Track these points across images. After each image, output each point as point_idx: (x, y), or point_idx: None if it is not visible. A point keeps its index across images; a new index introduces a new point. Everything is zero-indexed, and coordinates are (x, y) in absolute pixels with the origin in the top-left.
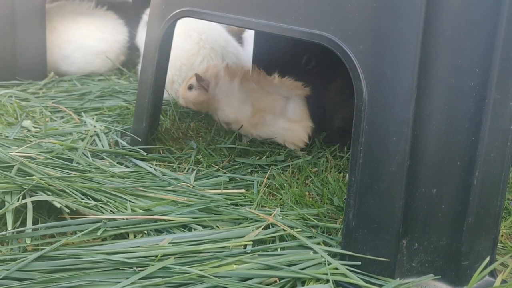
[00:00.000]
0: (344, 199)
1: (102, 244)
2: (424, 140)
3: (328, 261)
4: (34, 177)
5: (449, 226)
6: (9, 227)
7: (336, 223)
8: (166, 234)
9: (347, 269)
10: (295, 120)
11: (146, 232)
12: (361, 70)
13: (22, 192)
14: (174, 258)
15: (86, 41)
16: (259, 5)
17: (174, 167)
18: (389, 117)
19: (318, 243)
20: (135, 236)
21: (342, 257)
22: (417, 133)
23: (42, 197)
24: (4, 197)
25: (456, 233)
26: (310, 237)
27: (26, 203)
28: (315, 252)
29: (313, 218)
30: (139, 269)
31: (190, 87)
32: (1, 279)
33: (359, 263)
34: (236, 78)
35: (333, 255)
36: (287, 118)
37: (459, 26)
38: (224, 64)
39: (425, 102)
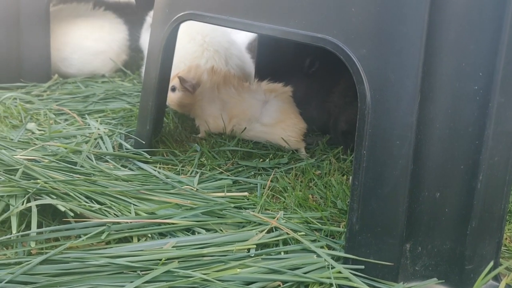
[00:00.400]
0: (348, 202)
1: (106, 248)
2: (428, 144)
3: (331, 265)
4: (38, 180)
5: (453, 229)
6: (14, 230)
7: (340, 227)
8: (170, 237)
9: (351, 273)
10: (271, 123)
11: (150, 235)
12: (365, 74)
13: (27, 196)
14: (178, 262)
15: (83, 42)
16: (262, 8)
17: (178, 169)
18: (392, 121)
19: (322, 247)
20: (139, 240)
21: (345, 261)
22: (420, 137)
23: (47, 200)
24: (8, 201)
25: (459, 237)
26: (314, 240)
27: (30, 206)
28: (318, 256)
29: (317, 222)
30: (143, 273)
31: (173, 89)
32: (6, 282)
33: (363, 267)
34: (217, 83)
35: (337, 258)
36: (262, 122)
37: (463, 29)
38: (209, 67)
39: (429, 106)
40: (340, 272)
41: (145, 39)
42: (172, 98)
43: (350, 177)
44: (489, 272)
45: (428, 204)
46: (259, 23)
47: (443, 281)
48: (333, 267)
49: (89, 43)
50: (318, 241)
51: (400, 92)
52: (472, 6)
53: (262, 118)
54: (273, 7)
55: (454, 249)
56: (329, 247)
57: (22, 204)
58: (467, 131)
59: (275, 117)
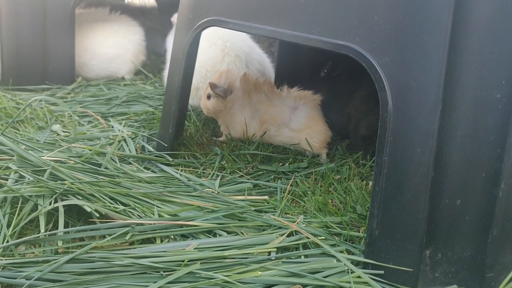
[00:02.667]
0: (367, 207)
1: (129, 248)
2: (449, 151)
3: (351, 270)
4: (65, 181)
5: (474, 237)
6: (42, 229)
7: (359, 232)
8: (192, 239)
9: (370, 278)
10: (299, 128)
11: (172, 237)
12: (387, 81)
13: (54, 196)
14: (200, 263)
15: (100, 48)
16: (285, 15)
17: (199, 172)
18: (414, 129)
19: (341, 251)
20: (162, 241)
21: (365, 265)
22: (441, 145)
23: (74, 201)
24: (37, 200)
25: (480, 245)
26: (333, 245)
27: (57, 206)
28: (338, 260)
29: (336, 226)
30: (166, 273)
31: (209, 96)
32: (35, 280)
33: (382, 272)
34: (249, 90)
35: (356, 263)
36: (290, 127)
37: (486, 38)
38: (242, 74)
39: (451, 114)
40: (359, 277)
41: (170, 42)
42: (208, 105)
43: (370, 183)
44: (510, 280)
45: (448, 211)
46: (282, 30)
47: None
48: (352, 272)
49: (105, 49)
50: (338, 245)
51: (422, 100)
52: (496, 15)
53: (290, 124)
54: (296, 14)
55: (475, 257)
56: (349, 252)
57: (50, 204)
58: (489, 140)
59: (303, 123)
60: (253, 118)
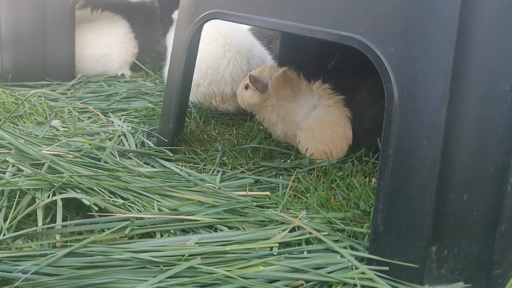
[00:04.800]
0: (371, 203)
1: (129, 243)
2: (456, 145)
3: (355, 266)
4: (63, 174)
5: (481, 233)
6: (40, 223)
7: (363, 228)
8: (192, 234)
9: (375, 274)
10: (305, 127)
11: (172, 231)
12: (392, 73)
13: (52, 189)
14: (201, 258)
15: (86, 50)
16: (288, 7)
17: (200, 168)
18: (420, 121)
19: (345, 247)
20: (161, 235)
21: (369, 262)
22: (448, 138)
23: (72, 194)
24: (35, 194)
25: (487, 241)
26: (337, 241)
27: (55, 200)
28: (342, 256)
29: (339, 222)
30: (166, 268)
31: (247, 87)
32: (32, 274)
33: (387, 268)
34: (277, 87)
35: (360, 259)
36: (300, 126)
37: (495, 29)
38: (282, 70)
39: (458, 106)
40: (364, 273)
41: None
42: (243, 96)
43: (373, 179)
44: None
45: (455, 206)
46: (285, 22)
47: (470, 285)
48: (356, 268)
49: (91, 50)
50: (341, 241)
51: (428, 91)
52: (504, 5)
53: (302, 123)
54: (299, 5)
55: (482, 253)
56: (352, 248)
57: (48, 198)
58: (497, 133)
59: (309, 123)
60: (278, 116)
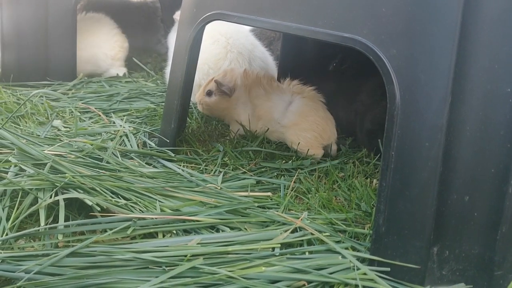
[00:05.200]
0: (372, 204)
1: (131, 243)
2: (458, 146)
3: (356, 266)
4: (66, 175)
5: (482, 234)
6: (42, 223)
7: (364, 229)
8: (194, 234)
9: (376, 275)
10: (288, 125)
11: (174, 232)
12: (394, 74)
13: (55, 189)
14: (203, 258)
15: None
16: (290, 8)
17: (201, 168)
18: (422, 122)
19: (346, 248)
20: (164, 236)
21: (370, 262)
22: (450, 139)
23: (74, 194)
24: (37, 194)
25: (489, 242)
26: (338, 241)
27: (57, 200)
28: (343, 256)
29: (341, 223)
30: (168, 268)
31: (209, 93)
32: (34, 273)
33: (389, 269)
34: (249, 86)
35: (361, 260)
36: (281, 123)
37: (497, 31)
38: (242, 70)
39: (460, 108)
40: (365, 274)
41: (171, 39)
42: (208, 102)
43: (374, 180)
44: None
45: (456, 207)
46: (287, 23)
47: (471, 286)
48: (358, 269)
49: (79, 52)
50: (343, 242)
51: (430, 93)
52: (506, 7)
53: (282, 119)
54: (301, 6)
55: (483, 254)
56: (354, 249)
57: (50, 198)
58: (499, 134)
59: (291, 119)
60: (253, 115)
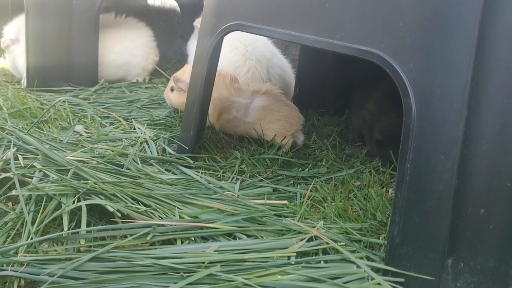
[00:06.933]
0: (388, 214)
1: (150, 249)
2: (473, 159)
3: (371, 276)
4: (88, 181)
5: (497, 248)
6: (65, 228)
7: (379, 239)
8: (212, 241)
9: (390, 285)
10: (253, 121)
11: (193, 238)
12: (411, 88)
13: (77, 195)
14: (220, 265)
15: (107, 55)
16: (309, 20)
17: (219, 175)
18: (438, 136)
19: (361, 258)
20: (182, 242)
21: (385, 273)
22: (466, 152)
23: (96, 201)
24: (60, 199)
25: (504, 255)
26: (353, 251)
27: (80, 205)
28: (358, 266)
29: (356, 233)
30: (187, 274)
31: (172, 89)
32: (58, 277)
33: (403, 280)
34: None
35: (376, 270)
36: (245, 120)
37: None
38: None
39: (476, 121)
40: (379, 284)
41: (191, 46)
42: (171, 97)
43: (390, 190)
44: None
45: (472, 220)
46: (306, 35)
47: None
48: (372, 279)
49: (112, 56)
50: (358, 252)
51: (446, 107)
52: None
53: (245, 117)
54: (321, 19)
55: (498, 267)
56: (369, 259)
57: (73, 203)
58: None
59: (256, 116)
60: (214, 109)
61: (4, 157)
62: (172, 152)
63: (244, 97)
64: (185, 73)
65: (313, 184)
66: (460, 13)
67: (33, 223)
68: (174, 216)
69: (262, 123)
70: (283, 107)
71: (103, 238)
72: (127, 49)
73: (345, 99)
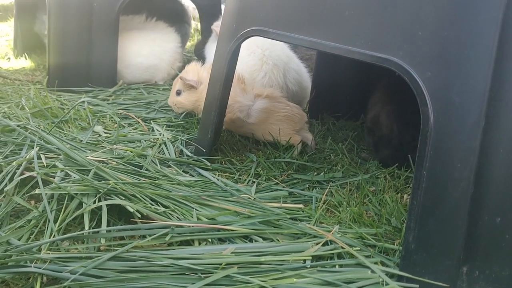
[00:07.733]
0: (402, 220)
1: (168, 249)
2: (490, 168)
3: (385, 281)
4: (109, 181)
5: None
6: (86, 227)
7: (394, 244)
8: (229, 243)
9: None
10: (256, 122)
11: (210, 240)
12: (429, 96)
13: (98, 195)
14: (237, 267)
15: (135, 58)
16: (328, 27)
17: (235, 178)
18: (455, 144)
19: (376, 263)
20: (199, 244)
21: (399, 278)
22: (483, 161)
23: (117, 201)
24: (82, 198)
25: None
26: (368, 256)
27: (100, 205)
28: (372, 271)
29: (371, 238)
30: (204, 275)
31: (179, 92)
32: (80, 275)
33: (417, 286)
34: None
35: (390, 276)
36: (248, 122)
37: None
38: (206, 65)
39: (493, 130)
40: None
41: (209, 49)
42: (180, 100)
43: (405, 196)
44: None
45: (488, 228)
46: (325, 42)
47: None
48: (387, 284)
49: (140, 59)
50: (372, 257)
51: (464, 116)
52: None
53: (248, 118)
54: (340, 26)
55: None
56: (383, 264)
57: (94, 203)
58: None
59: (258, 117)
60: None
61: (27, 156)
62: (189, 154)
63: (247, 99)
64: (188, 73)
65: (329, 188)
66: (479, 22)
67: (55, 222)
68: (192, 217)
69: (265, 125)
70: (284, 107)
71: (122, 238)
72: (155, 52)
73: (360, 104)
